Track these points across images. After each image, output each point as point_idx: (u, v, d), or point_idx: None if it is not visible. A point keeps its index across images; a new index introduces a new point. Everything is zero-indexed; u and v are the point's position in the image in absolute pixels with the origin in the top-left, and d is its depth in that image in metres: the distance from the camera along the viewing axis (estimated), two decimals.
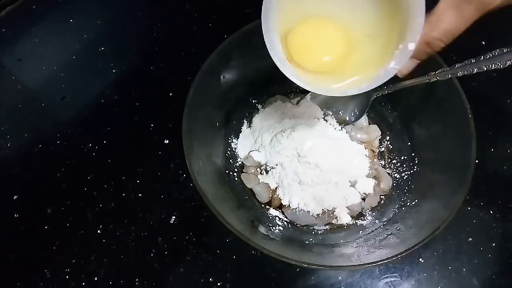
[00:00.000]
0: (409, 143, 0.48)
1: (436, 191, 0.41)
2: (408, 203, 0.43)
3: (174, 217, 0.45)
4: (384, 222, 0.43)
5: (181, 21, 0.59)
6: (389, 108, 0.50)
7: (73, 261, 0.43)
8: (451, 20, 0.31)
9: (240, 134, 0.49)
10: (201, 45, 0.56)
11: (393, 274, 0.43)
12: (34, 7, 0.59)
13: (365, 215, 0.45)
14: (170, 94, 0.53)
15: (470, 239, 0.44)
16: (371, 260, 0.35)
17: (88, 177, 0.47)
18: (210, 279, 0.42)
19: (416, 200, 0.43)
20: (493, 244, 0.44)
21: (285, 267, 0.43)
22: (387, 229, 0.42)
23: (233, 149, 0.48)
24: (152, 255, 0.43)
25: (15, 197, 0.46)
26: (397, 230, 0.41)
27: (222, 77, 0.45)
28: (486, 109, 0.51)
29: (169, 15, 0.59)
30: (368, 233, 0.42)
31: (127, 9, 0.61)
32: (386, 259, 0.34)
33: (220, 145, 0.47)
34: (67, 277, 0.42)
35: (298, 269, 0.43)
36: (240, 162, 0.47)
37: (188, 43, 0.56)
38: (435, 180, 0.42)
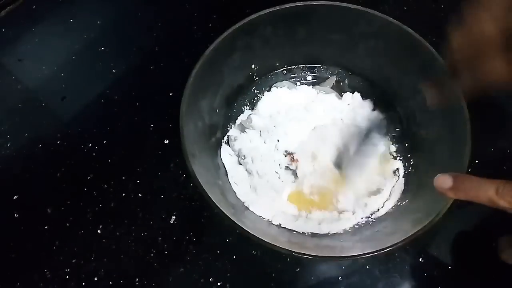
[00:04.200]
0: (406, 144, 0.48)
1: (428, 192, 0.40)
2: (399, 203, 0.44)
3: (174, 217, 0.45)
4: (373, 219, 0.43)
5: (181, 21, 0.59)
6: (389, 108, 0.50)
7: (73, 261, 0.43)
8: None
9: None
10: (201, 45, 0.56)
11: (393, 274, 0.43)
12: (34, 7, 0.59)
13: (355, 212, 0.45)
14: (170, 94, 0.53)
15: (471, 239, 0.44)
16: (355, 253, 0.35)
17: (88, 177, 0.47)
18: (210, 279, 0.42)
19: (407, 200, 0.43)
20: (494, 244, 0.44)
21: (285, 267, 0.43)
22: (375, 226, 0.42)
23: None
24: (152, 255, 0.43)
25: (15, 197, 0.46)
26: (384, 228, 0.41)
27: (224, 67, 0.46)
28: (486, 109, 0.51)
29: (169, 15, 0.60)
30: (356, 228, 0.43)
31: (127, 9, 0.61)
32: (371, 252, 0.34)
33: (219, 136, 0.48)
34: (67, 277, 0.42)
35: (298, 269, 0.43)
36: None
37: (188, 43, 0.56)
38: (428, 182, 0.42)
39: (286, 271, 0.43)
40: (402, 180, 0.46)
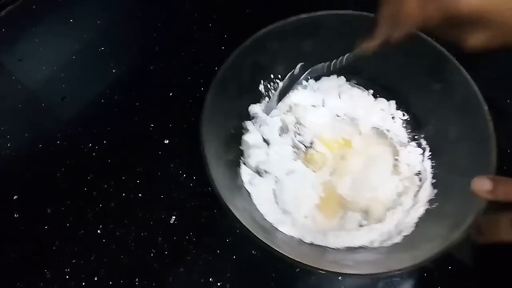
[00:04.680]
0: (425, 146, 0.47)
1: (458, 193, 0.40)
2: (429, 207, 0.43)
3: (174, 217, 0.45)
4: (405, 227, 0.42)
5: (181, 21, 0.59)
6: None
7: (73, 261, 0.43)
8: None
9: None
10: (201, 45, 0.56)
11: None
12: (34, 7, 0.59)
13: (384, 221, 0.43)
14: (170, 94, 0.53)
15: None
16: (401, 266, 0.34)
17: (88, 177, 0.47)
18: (210, 279, 0.42)
19: (437, 203, 0.42)
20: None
21: (285, 267, 0.43)
22: (409, 233, 0.41)
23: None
24: (152, 255, 0.43)
25: (15, 197, 0.46)
26: (419, 235, 0.40)
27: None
28: None
29: (169, 15, 0.60)
30: (387, 239, 0.42)
31: (127, 9, 0.61)
32: (417, 264, 0.33)
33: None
34: (67, 277, 0.42)
35: (298, 269, 0.43)
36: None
37: (188, 43, 0.57)
38: (456, 183, 0.41)
39: (286, 271, 0.43)
40: (428, 183, 0.45)
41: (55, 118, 0.52)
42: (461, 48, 0.31)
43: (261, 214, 0.43)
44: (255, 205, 0.43)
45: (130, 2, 0.61)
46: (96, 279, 0.42)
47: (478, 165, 0.38)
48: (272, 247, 0.34)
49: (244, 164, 0.46)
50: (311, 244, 0.41)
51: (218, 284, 0.42)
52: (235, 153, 0.46)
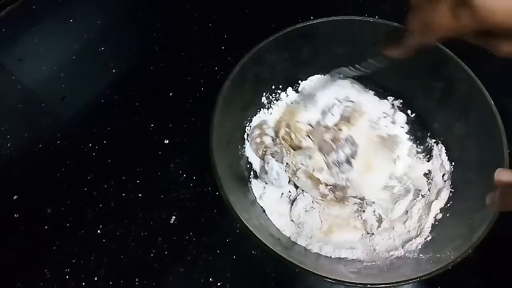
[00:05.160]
0: (431, 145, 0.47)
1: (473, 190, 0.40)
2: (444, 206, 0.43)
3: (174, 217, 0.45)
4: (423, 228, 0.42)
5: (181, 21, 0.59)
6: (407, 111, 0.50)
7: (73, 261, 0.43)
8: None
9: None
10: (201, 45, 0.57)
11: None
12: (34, 7, 0.59)
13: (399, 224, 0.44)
14: (170, 94, 0.53)
15: None
16: (421, 272, 0.34)
17: (88, 177, 0.47)
18: (210, 279, 0.42)
19: (451, 202, 0.42)
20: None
21: (285, 267, 0.43)
22: (428, 234, 0.41)
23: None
24: (152, 255, 0.43)
25: (15, 197, 0.46)
26: (438, 235, 0.40)
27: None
28: None
29: (169, 15, 0.60)
30: (408, 240, 0.42)
31: (127, 9, 0.61)
32: (437, 270, 0.34)
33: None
34: (67, 277, 0.42)
35: (297, 270, 0.43)
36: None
37: (188, 43, 0.57)
38: (469, 180, 0.41)
39: (285, 271, 0.43)
40: (438, 182, 0.45)
41: (55, 118, 0.52)
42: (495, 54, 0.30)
43: (277, 228, 0.43)
44: (270, 220, 0.43)
45: (130, 2, 0.61)
46: (96, 279, 0.42)
47: (489, 160, 0.38)
48: (303, 267, 0.34)
49: (256, 178, 0.46)
50: (330, 257, 0.41)
51: (218, 284, 0.42)
52: (244, 168, 0.46)
